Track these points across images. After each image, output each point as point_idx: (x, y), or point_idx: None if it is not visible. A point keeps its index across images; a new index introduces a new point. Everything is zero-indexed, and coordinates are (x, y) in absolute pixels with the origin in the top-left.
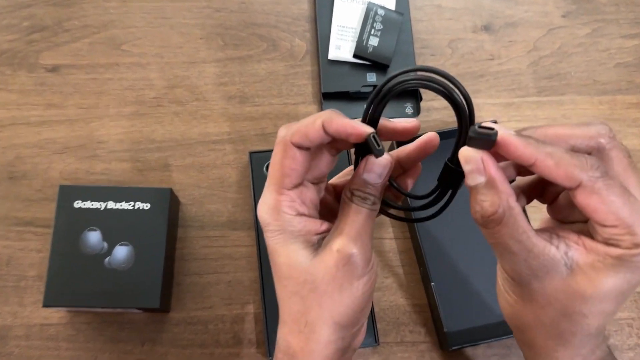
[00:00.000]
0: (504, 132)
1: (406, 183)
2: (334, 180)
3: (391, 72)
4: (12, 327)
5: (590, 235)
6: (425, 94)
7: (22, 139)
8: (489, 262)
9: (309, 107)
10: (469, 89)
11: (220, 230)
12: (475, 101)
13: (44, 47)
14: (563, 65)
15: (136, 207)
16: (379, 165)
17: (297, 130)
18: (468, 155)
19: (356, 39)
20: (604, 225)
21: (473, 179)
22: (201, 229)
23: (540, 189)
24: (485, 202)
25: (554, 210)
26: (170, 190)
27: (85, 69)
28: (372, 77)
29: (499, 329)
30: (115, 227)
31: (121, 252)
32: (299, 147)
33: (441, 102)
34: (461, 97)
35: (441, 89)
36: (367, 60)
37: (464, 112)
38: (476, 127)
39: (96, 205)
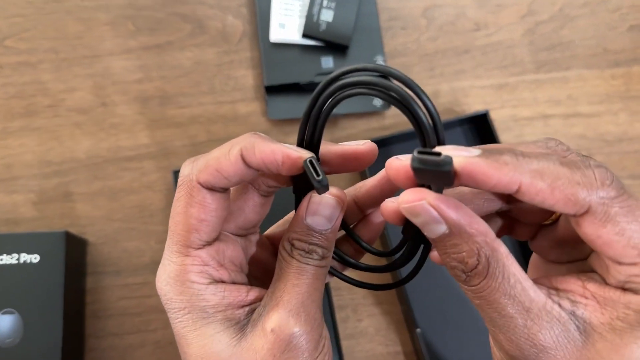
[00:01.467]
0: (463, 155)
1: (370, 232)
2: (272, 230)
3: (352, 54)
4: None
5: (596, 274)
6: None
7: None
8: None
9: (251, 104)
10: (450, 68)
11: (141, 275)
12: (459, 84)
13: None
14: (566, 33)
15: (22, 260)
16: (326, 205)
17: (205, 166)
18: (411, 207)
19: (305, 15)
20: (620, 263)
21: (431, 231)
22: (117, 276)
23: (510, 219)
24: (462, 254)
25: (539, 247)
26: (65, 234)
27: None
28: (327, 63)
29: None
30: None
31: (5, 322)
32: (210, 188)
33: None
34: (424, 110)
35: (395, 97)
36: (321, 40)
37: (426, 131)
38: (415, 152)
39: None
